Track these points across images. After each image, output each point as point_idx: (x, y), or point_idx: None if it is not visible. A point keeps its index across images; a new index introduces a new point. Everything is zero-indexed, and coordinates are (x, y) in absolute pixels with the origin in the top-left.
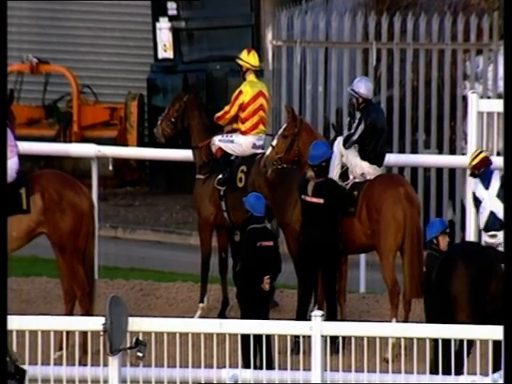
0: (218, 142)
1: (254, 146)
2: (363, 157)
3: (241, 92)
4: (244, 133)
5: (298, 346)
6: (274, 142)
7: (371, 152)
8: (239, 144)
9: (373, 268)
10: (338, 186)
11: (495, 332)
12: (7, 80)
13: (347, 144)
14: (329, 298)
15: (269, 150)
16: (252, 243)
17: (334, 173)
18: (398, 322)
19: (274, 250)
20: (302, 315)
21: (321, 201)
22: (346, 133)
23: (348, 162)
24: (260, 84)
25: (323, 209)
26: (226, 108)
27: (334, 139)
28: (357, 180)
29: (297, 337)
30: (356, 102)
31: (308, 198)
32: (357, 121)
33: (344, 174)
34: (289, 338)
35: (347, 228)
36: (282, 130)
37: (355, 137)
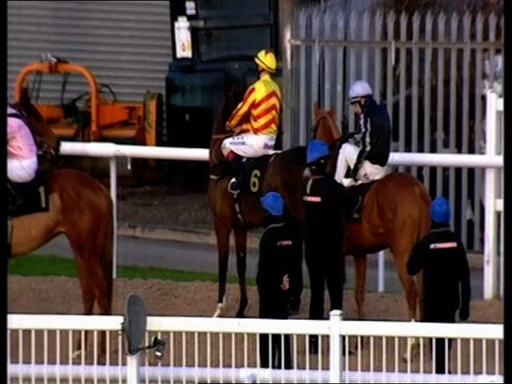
0: (229, 144)
1: (266, 146)
2: (365, 156)
3: (253, 89)
4: (256, 130)
5: (316, 345)
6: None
7: (373, 151)
8: (251, 145)
9: (391, 267)
10: (335, 183)
11: None
12: (7, 80)
13: (366, 140)
14: (334, 298)
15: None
16: (272, 243)
17: (340, 178)
18: (416, 321)
19: (294, 249)
20: (315, 315)
21: (318, 199)
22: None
23: (353, 164)
24: (273, 84)
25: (321, 208)
26: (239, 105)
27: (344, 140)
28: (360, 182)
29: (313, 336)
30: (360, 106)
31: (308, 198)
32: (362, 121)
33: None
34: (307, 337)
35: (354, 229)
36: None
37: (368, 133)
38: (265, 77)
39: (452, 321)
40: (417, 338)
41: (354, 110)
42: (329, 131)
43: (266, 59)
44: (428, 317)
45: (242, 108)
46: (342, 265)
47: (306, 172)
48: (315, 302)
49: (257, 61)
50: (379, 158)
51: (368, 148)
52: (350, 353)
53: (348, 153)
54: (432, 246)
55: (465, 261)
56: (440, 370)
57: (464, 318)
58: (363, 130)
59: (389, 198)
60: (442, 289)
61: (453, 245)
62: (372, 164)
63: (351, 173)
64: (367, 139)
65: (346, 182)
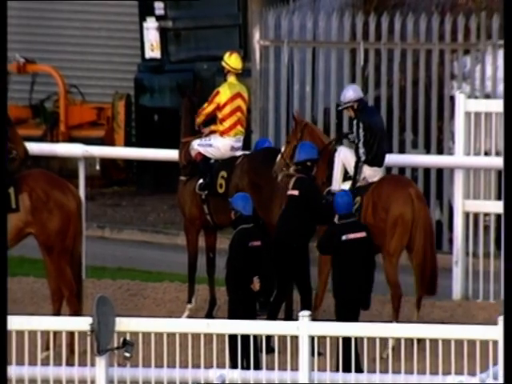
0: (196, 146)
1: (233, 149)
2: (363, 160)
3: (218, 92)
4: (222, 133)
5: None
6: (283, 149)
7: (370, 153)
8: (217, 147)
9: None
10: (315, 185)
11: (483, 332)
12: (7, 80)
13: (360, 151)
14: (304, 299)
15: (278, 157)
16: (243, 243)
17: (337, 184)
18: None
19: (263, 249)
20: (274, 315)
21: (296, 192)
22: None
23: (351, 168)
24: (239, 86)
25: (296, 201)
26: (205, 105)
27: (338, 141)
28: (359, 184)
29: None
30: (353, 110)
31: (288, 192)
32: (355, 127)
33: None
34: (276, 337)
35: None
36: (287, 138)
37: (361, 142)
38: (231, 78)
39: (358, 311)
40: (390, 338)
41: (347, 114)
42: (317, 137)
43: (230, 60)
44: (339, 307)
45: (207, 108)
46: (309, 262)
47: (291, 170)
48: (278, 301)
49: (222, 63)
50: (377, 160)
51: (363, 158)
52: (318, 353)
53: (344, 156)
54: (344, 238)
55: (372, 250)
56: (347, 368)
57: (366, 308)
58: (356, 140)
59: (383, 198)
60: (353, 279)
61: (362, 234)
62: (371, 167)
63: (351, 184)
64: (361, 150)
65: (344, 186)
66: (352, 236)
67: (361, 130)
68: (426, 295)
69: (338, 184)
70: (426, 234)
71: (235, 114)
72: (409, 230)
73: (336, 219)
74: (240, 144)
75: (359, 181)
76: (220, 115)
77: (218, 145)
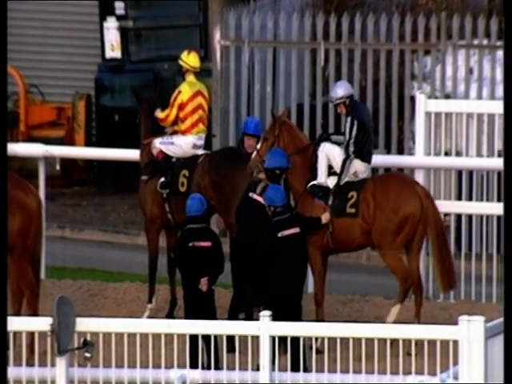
0: (158, 144)
1: (195, 146)
2: (356, 155)
3: (179, 92)
4: (184, 132)
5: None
6: (258, 146)
7: (363, 150)
8: (179, 145)
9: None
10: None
11: (441, 331)
12: (7, 80)
13: (350, 149)
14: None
15: (254, 154)
16: (184, 244)
17: (323, 176)
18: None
19: (213, 250)
20: (233, 315)
21: (263, 201)
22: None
23: (336, 163)
24: (199, 84)
25: (263, 209)
26: (167, 111)
27: (320, 140)
28: (348, 179)
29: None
30: (344, 107)
31: (255, 196)
32: (348, 123)
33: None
34: (237, 337)
35: (345, 224)
36: (263, 133)
37: (353, 139)
38: (190, 77)
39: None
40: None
41: (339, 110)
42: (295, 135)
43: (188, 59)
44: (271, 304)
45: (171, 113)
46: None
47: (262, 175)
48: (236, 301)
49: (180, 62)
50: (368, 156)
51: (352, 157)
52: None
53: (328, 150)
54: (280, 235)
55: (305, 246)
56: (295, 368)
57: (298, 305)
58: (347, 137)
59: (391, 198)
60: (288, 276)
61: (296, 230)
62: (362, 162)
63: (337, 179)
64: (351, 148)
65: (330, 181)
66: (287, 232)
67: (354, 127)
68: (449, 290)
69: (324, 177)
70: (438, 231)
71: (197, 112)
72: (415, 227)
73: (270, 211)
74: (202, 142)
75: (348, 176)
76: (182, 114)
77: (180, 143)
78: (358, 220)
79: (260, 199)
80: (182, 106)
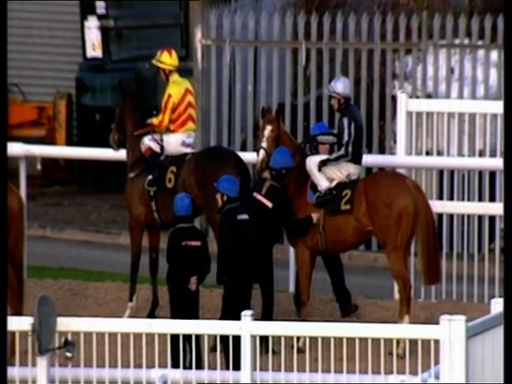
0: (147, 141)
1: (184, 144)
2: (349, 160)
3: (170, 96)
4: (173, 130)
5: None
6: (265, 145)
7: (356, 152)
8: (168, 142)
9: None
10: (288, 197)
11: (426, 331)
12: (7, 79)
13: (349, 149)
14: (265, 297)
15: (261, 153)
16: (176, 243)
17: (322, 183)
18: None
19: (202, 249)
20: (227, 315)
21: (270, 205)
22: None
23: (328, 168)
24: (184, 82)
25: (270, 213)
26: (160, 117)
27: (305, 144)
28: (339, 181)
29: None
30: (337, 103)
31: (259, 197)
32: (346, 124)
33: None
34: (219, 337)
35: (340, 226)
36: (269, 132)
37: (352, 139)
38: (174, 77)
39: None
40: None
41: (332, 102)
42: (289, 138)
43: (169, 59)
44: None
45: (165, 119)
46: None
47: (267, 174)
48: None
49: (160, 65)
50: (359, 159)
51: (349, 158)
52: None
53: (315, 160)
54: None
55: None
56: (236, 366)
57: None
58: (346, 137)
59: (382, 194)
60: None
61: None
62: (354, 165)
63: (324, 162)
64: (349, 148)
65: (325, 184)
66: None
67: (352, 128)
68: (432, 284)
69: (324, 181)
70: (429, 224)
71: (187, 110)
72: (412, 222)
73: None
74: (191, 140)
75: (342, 173)
76: (173, 116)
77: (170, 140)
78: (352, 218)
79: (264, 200)
80: (174, 109)
